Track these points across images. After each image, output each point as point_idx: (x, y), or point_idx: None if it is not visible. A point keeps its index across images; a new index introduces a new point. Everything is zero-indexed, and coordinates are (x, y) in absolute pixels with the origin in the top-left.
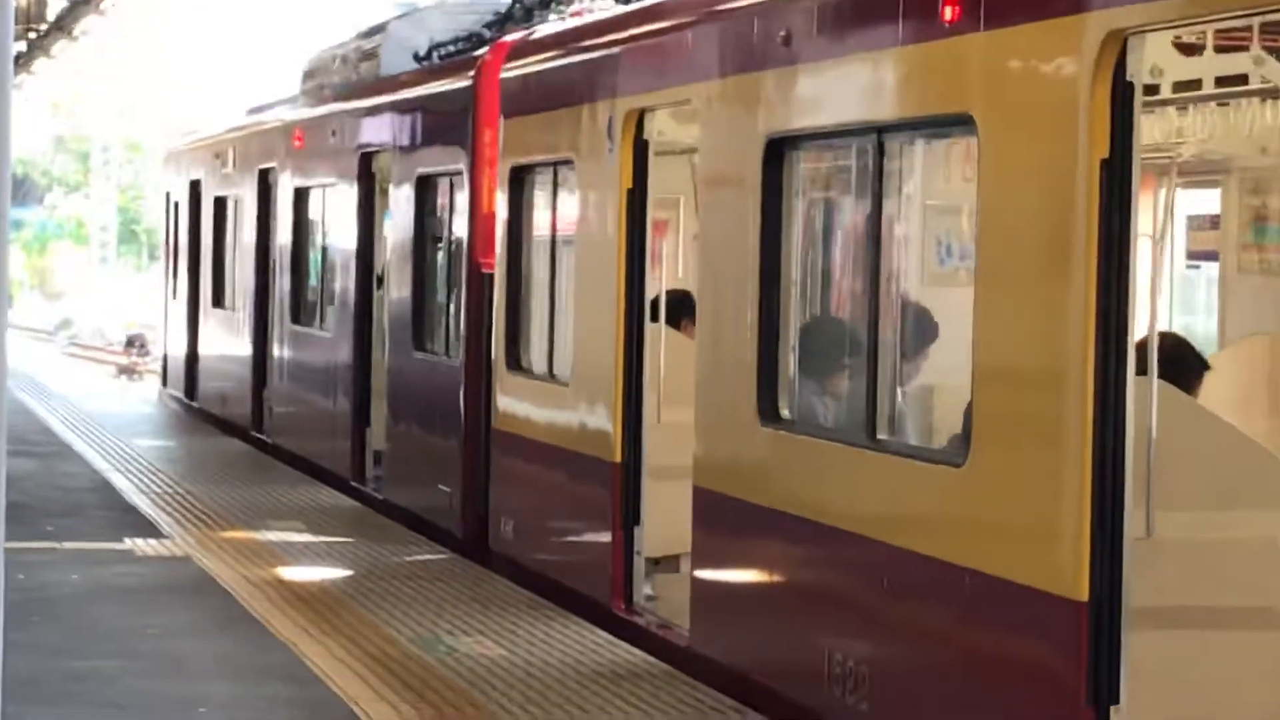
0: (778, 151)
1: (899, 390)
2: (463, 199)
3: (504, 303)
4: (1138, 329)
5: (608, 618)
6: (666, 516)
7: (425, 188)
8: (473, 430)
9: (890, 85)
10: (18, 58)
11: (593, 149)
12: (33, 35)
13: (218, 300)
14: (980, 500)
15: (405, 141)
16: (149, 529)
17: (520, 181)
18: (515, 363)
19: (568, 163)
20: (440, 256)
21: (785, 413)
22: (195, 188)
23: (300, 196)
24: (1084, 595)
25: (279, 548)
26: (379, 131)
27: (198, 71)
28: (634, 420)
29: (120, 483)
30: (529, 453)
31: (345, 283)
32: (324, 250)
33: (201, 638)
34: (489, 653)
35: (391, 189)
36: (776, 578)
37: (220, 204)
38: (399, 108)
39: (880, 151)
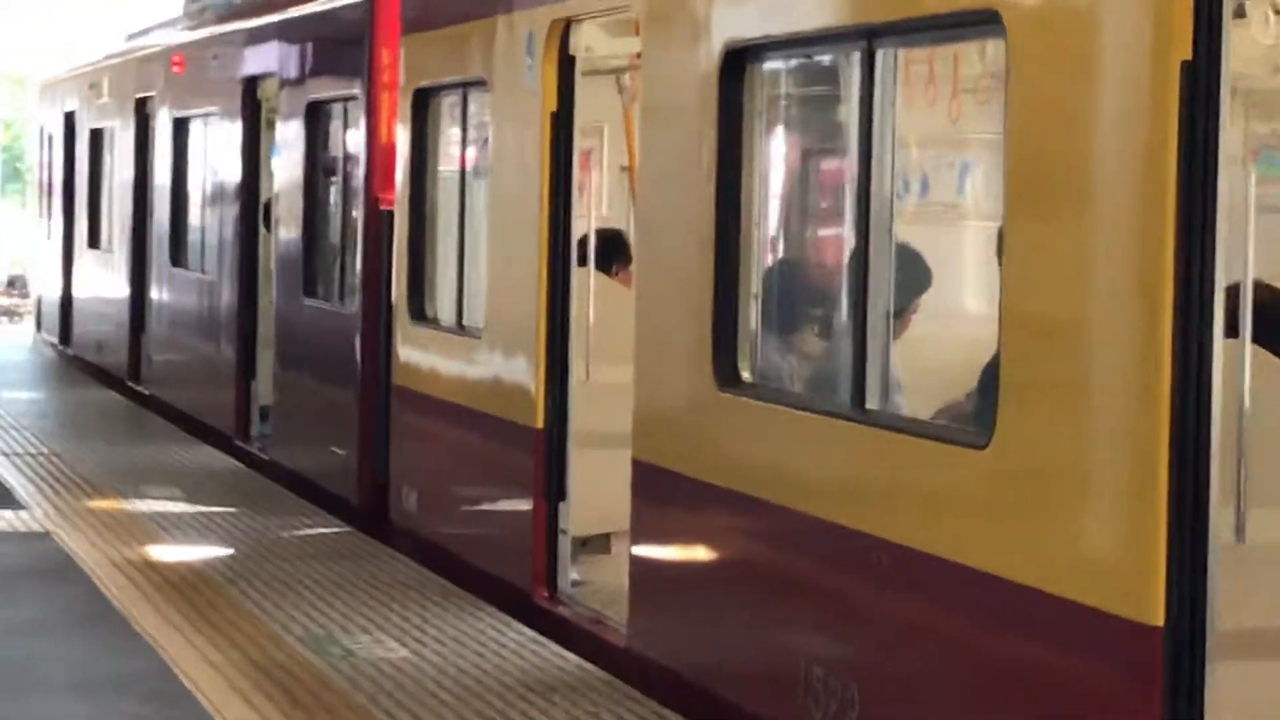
0: (738, 63)
1: (893, 350)
2: (359, 128)
3: (406, 244)
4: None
5: (528, 608)
6: (595, 490)
7: (316, 117)
8: (370, 387)
9: None
10: None
11: (509, 67)
12: None
13: (93, 240)
14: (1009, 491)
15: (293, 66)
16: (5, 499)
17: (424, 107)
18: (419, 312)
19: (479, 84)
20: (333, 193)
21: (747, 375)
22: (70, 120)
23: (180, 128)
24: (1158, 618)
25: (152, 520)
26: (264, 55)
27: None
28: (559, 379)
29: None
30: (435, 413)
31: (228, 222)
32: (205, 186)
33: (53, 638)
34: (391, 656)
35: (279, 119)
36: (736, 571)
37: (96, 137)
38: (286, 28)
39: (869, 61)
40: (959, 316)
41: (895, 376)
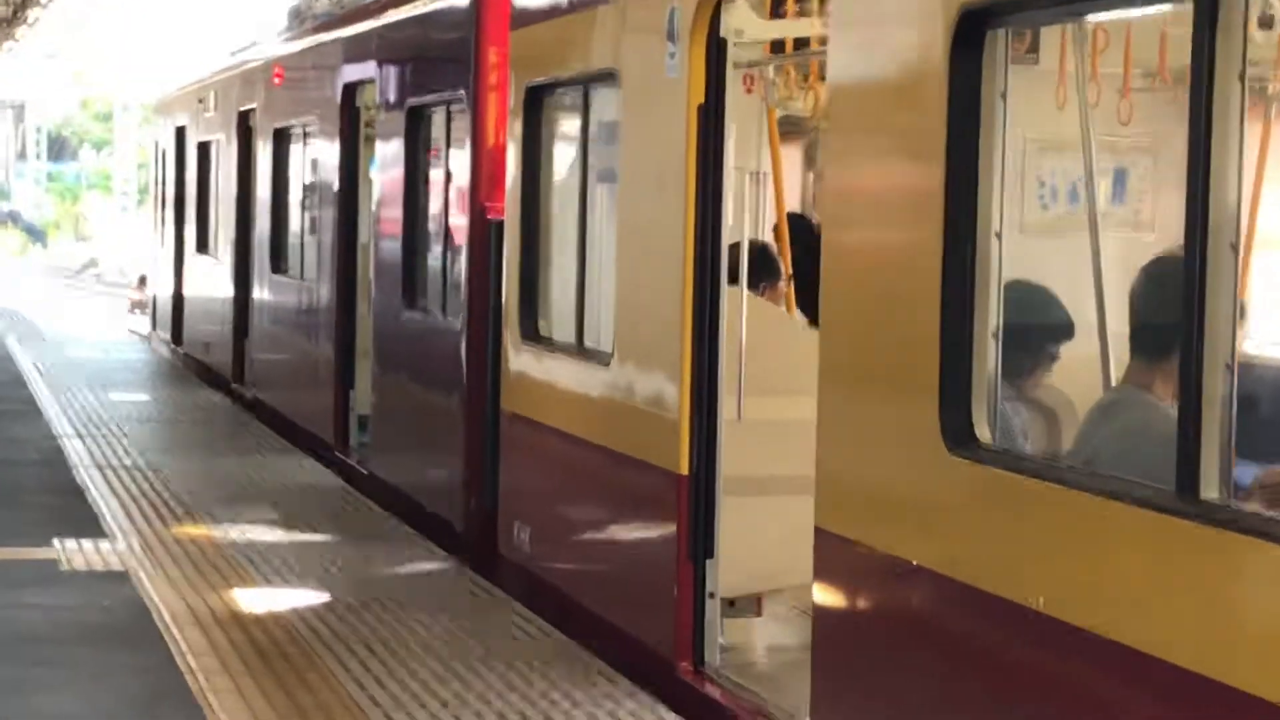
0: (976, 30)
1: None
2: (463, 131)
3: (517, 256)
4: None
5: (669, 681)
6: (748, 544)
7: (417, 121)
8: (476, 408)
9: None
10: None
11: (645, 56)
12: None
13: (201, 246)
14: None
15: (393, 70)
16: (89, 524)
17: (537, 106)
18: (531, 330)
19: (606, 77)
20: (435, 200)
21: (985, 436)
22: (180, 134)
23: (280, 137)
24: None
25: (244, 555)
26: (362, 61)
27: (203, 25)
28: (706, 415)
29: (75, 452)
30: (552, 445)
31: (326, 229)
32: (305, 194)
33: None
34: None
35: (379, 124)
36: (966, 687)
37: (204, 149)
38: (385, 32)
39: (1211, 15)
40: None
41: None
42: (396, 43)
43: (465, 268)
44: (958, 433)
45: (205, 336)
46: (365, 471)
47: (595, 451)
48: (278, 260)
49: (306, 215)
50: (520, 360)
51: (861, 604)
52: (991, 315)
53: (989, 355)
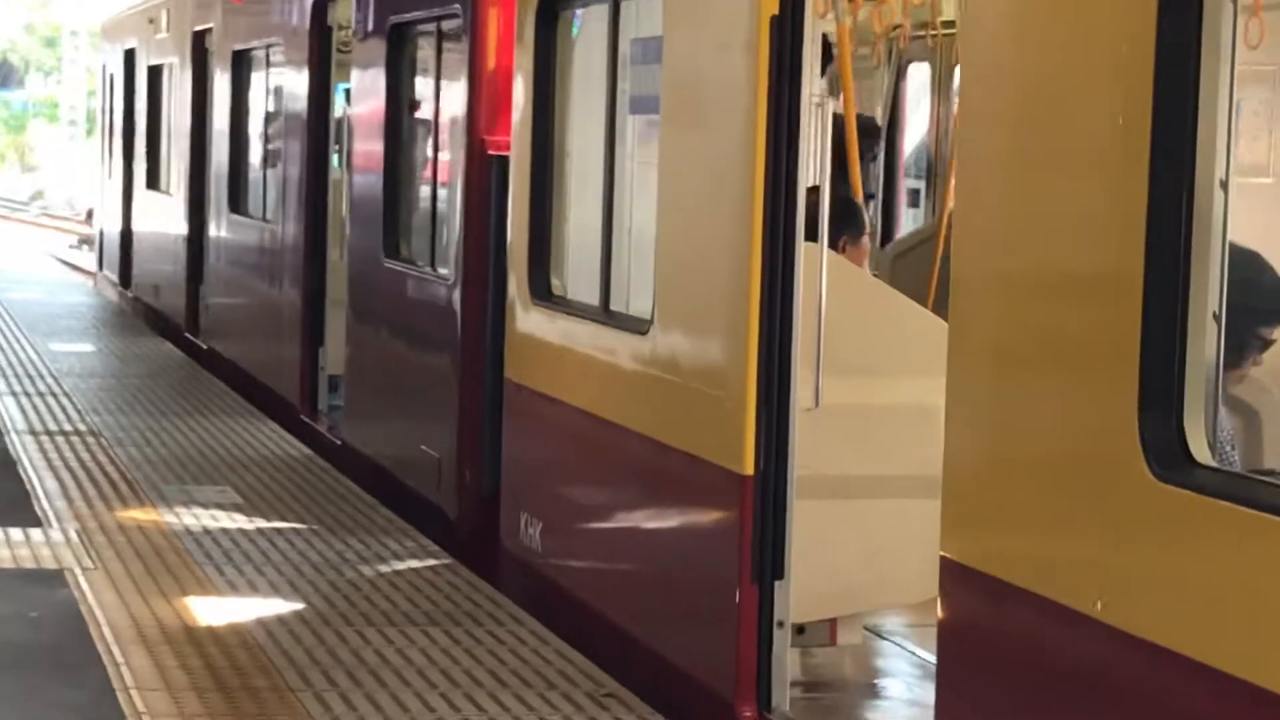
0: None
1: None
2: (459, 53)
3: (526, 200)
4: None
5: None
6: (822, 559)
7: (402, 41)
8: (472, 377)
9: None
10: None
11: None
12: None
13: (152, 182)
14: None
15: None
16: (19, 507)
17: (552, 23)
18: (543, 288)
19: None
20: (422, 133)
21: (1203, 454)
22: (129, 58)
23: (239, 61)
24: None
25: (198, 547)
26: None
27: None
28: (776, 402)
29: (6, 414)
30: (569, 427)
31: (293, 165)
32: (268, 125)
33: None
34: None
35: (355, 45)
36: None
37: (154, 74)
38: None
39: None
40: None
41: None
42: None
43: (460, 211)
44: (1165, 450)
45: (156, 278)
46: (337, 441)
47: (628, 438)
48: (236, 199)
49: (270, 149)
50: (529, 322)
51: (1008, 663)
52: (1212, 290)
53: (1207, 343)
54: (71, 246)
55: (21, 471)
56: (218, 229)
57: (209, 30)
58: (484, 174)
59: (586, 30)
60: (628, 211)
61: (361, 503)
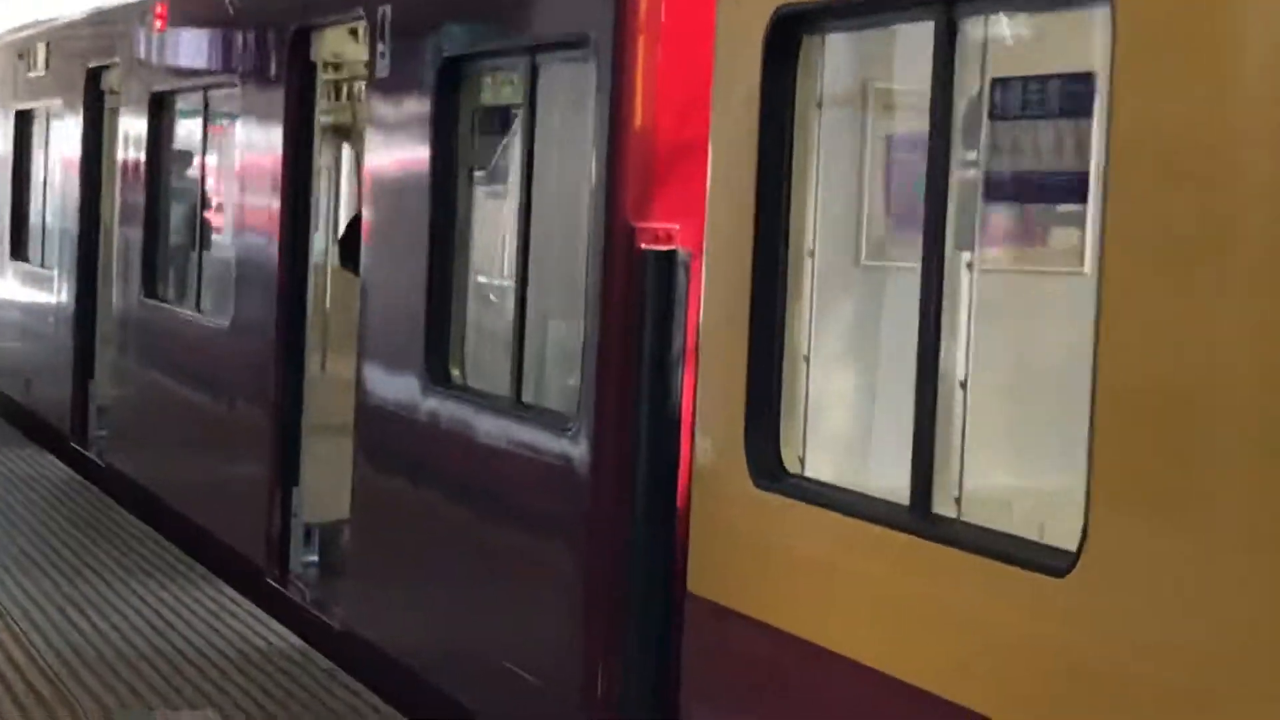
0: None
1: None
2: (587, 97)
3: (745, 326)
4: None
5: None
6: None
7: (458, 84)
8: (606, 588)
9: None
10: None
11: None
12: None
13: (17, 251)
14: None
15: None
16: None
17: (791, 49)
18: (771, 467)
19: None
20: (504, 216)
21: None
22: None
23: (160, 106)
24: None
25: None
26: None
27: None
28: None
29: None
30: (796, 673)
31: (252, 245)
32: (209, 192)
33: None
34: None
35: (370, 92)
36: None
37: (22, 120)
38: None
39: None
40: None
41: None
42: None
43: (589, 345)
44: None
45: (24, 369)
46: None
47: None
48: (152, 282)
49: (207, 221)
50: (754, 519)
51: None
52: None
53: None
54: None
55: None
56: (123, 314)
57: (108, 68)
58: (631, 279)
59: (861, 63)
60: (963, 352)
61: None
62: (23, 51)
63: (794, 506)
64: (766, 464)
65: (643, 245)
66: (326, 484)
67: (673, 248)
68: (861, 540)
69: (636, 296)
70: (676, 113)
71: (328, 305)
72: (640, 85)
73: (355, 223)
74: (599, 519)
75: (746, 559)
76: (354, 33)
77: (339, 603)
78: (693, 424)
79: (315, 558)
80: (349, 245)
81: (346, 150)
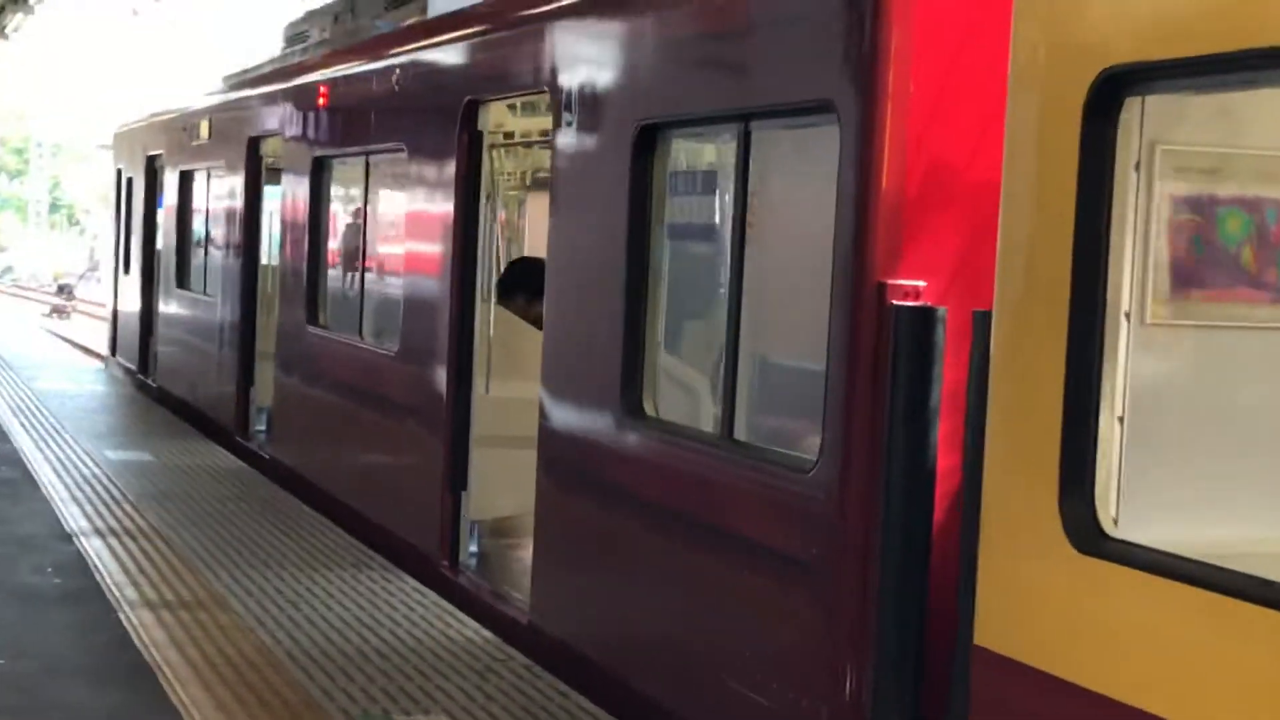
0: None
1: None
2: (845, 164)
3: (1059, 398)
4: None
5: None
6: None
7: (653, 143)
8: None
9: None
10: None
11: None
12: None
13: (182, 281)
14: None
15: (608, 69)
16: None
17: (1112, 109)
18: (1089, 527)
19: None
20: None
21: None
22: (151, 164)
23: (322, 169)
24: None
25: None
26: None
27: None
28: None
29: (106, 568)
30: None
31: (424, 291)
32: (370, 246)
33: None
34: None
35: (558, 147)
36: None
37: (185, 180)
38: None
39: None
40: None
41: None
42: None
43: (835, 400)
44: None
45: (189, 375)
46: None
47: None
48: (315, 314)
49: (377, 269)
50: (1060, 579)
51: None
52: None
53: None
54: (44, 314)
55: (164, 681)
56: (287, 337)
57: (265, 137)
58: (881, 332)
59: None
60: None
61: None
62: (186, 126)
63: (1121, 571)
64: (1083, 531)
65: (893, 300)
66: (489, 488)
67: (929, 304)
68: (1211, 610)
69: (885, 349)
70: (921, 175)
71: (490, 336)
72: (888, 148)
73: (512, 265)
74: (843, 561)
75: (1058, 620)
76: (512, 107)
77: (533, 603)
78: (958, 475)
79: (476, 549)
80: (505, 285)
81: (497, 204)
